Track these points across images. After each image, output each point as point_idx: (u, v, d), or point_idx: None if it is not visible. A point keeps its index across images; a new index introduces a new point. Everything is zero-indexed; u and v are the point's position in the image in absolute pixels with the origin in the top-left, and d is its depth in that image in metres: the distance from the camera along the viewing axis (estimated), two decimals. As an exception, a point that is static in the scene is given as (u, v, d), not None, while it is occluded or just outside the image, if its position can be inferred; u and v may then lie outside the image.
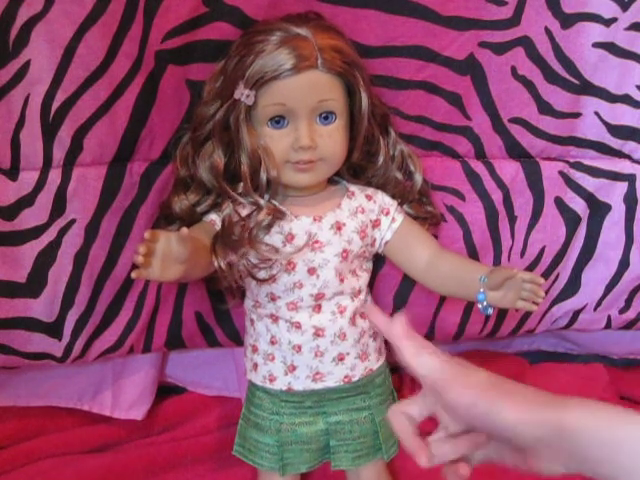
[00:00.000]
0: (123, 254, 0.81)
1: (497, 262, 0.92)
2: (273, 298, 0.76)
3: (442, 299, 0.92)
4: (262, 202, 0.74)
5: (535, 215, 0.91)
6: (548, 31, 0.83)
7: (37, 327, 0.80)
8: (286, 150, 0.72)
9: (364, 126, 0.76)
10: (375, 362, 0.81)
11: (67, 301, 0.80)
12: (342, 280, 0.76)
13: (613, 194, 0.92)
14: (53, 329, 0.80)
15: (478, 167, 0.89)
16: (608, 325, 1.00)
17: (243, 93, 0.70)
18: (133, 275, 0.64)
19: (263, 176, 0.73)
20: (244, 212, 0.74)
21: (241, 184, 0.74)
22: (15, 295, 0.78)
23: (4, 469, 0.90)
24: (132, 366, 0.95)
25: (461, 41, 0.82)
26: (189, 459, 0.96)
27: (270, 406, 0.80)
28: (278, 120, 0.72)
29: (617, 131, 0.89)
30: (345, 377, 0.78)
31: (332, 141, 0.73)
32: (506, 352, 1.11)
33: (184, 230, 0.65)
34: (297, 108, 0.70)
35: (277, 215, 0.74)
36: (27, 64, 0.70)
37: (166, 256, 0.65)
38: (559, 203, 0.91)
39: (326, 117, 0.72)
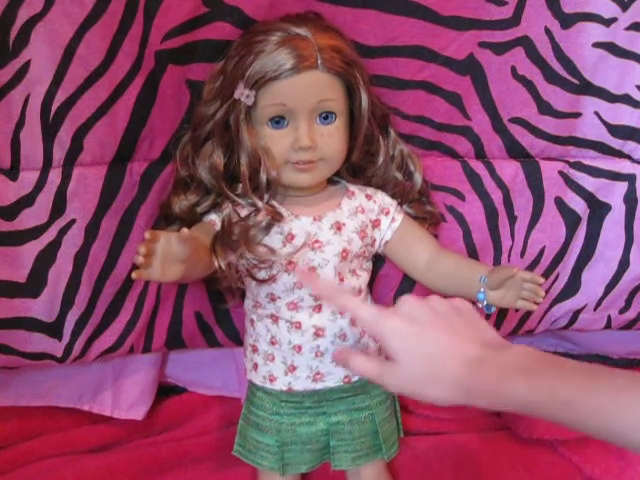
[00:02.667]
0: (123, 254, 0.81)
1: (497, 262, 0.92)
2: (273, 298, 0.76)
3: (442, 299, 0.92)
4: (260, 204, 0.73)
5: (535, 215, 0.91)
6: (548, 31, 0.83)
7: (37, 327, 0.80)
8: (286, 150, 0.72)
9: (364, 126, 0.76)
10: (375, 362, 0.81)
11: (67, 301, 0.80)
12: (342, 279, 0.76)
13: (613, 194, 0.92)
14: (53, 329, 0.80)
15: (478, 167, 0.89)
16: (608, 325, 1.00)
17: (243, 93, 0.70)
18: (133, 275, 0.64)
19: (263, 176, 0.73)
20: (244, 213, 0.74)
21: (241, 185, 0.74)
22: (15, 295, 0.78)
23: (4, 469, 0.90)
24: (132, 366, 0.95)
25: (461, 41, 0.82)
26: (189, 459, 0.96)
27: (270, 406, 0.80)
28: (278, 120, 0.72)
29: (617, 131, 0.89)
30: (345, 377, 0.78)
31: (332, 141, 0.73)
32: (506, 352, 1.11)
33: (184, 230, 0.65)
34: (297, 108, 0.70)
35: (275, 216, 0.74)
36: (27, 64, 0.70)
37: (166, 256, 0.65)
38: (559, 203, 0.91)
39: (326, 117, 0.72)
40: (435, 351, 0.56)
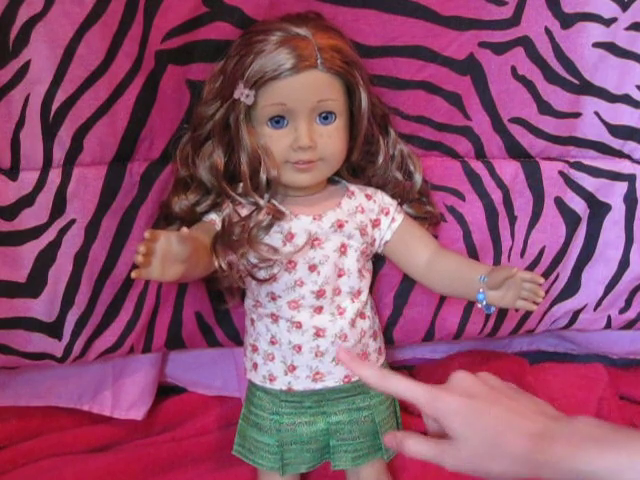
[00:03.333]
0: (123, 254, 0.81)
1: (497, 262, 0.92)
2: (274, 297, 0.76)
3: (442, 299, 0.92)
4: (262, 202, 0.74)
5: (535, 215, 0.91)
6: (548, 31, 0.83)
7: (37, 327, 0.80)
8: (286, 150, 0.72)
9: (364, 126, 0.76)
10: (375, 362, 0.81)
11: (67, 301, 0.80)
12: (340, 276, 0.76)
13: (613, 194, 0.92)
14: (53, 329, 0.80)
15: (478, 167, 0.89)
16: (608, 325, 1.00)
17: (243, 93, 0.70)
18: (133, 275, 0.63)
19: (263, 176, 0.73)
20: (244, 212, 0.74)
21: (241, 184, 0.74)
22: (15, 295, 0.78)
23: (4, 469, 0.90)
24: (132, 366, 0.95)
25: (461, 41, 0.82)
26: (189, 459, 0.96)
27: (270, 406, 0.80)
28: (278, 120, 0.72)
29: (617, 131, 0.89)
30: (345, 377, 0.78)
31: (332, 141, 0.73)
32: (506, 352, 1.11)
33: (184, 230, 0.65)
34: (297, 108, 0.70)
35: (277, 215, 0.74)
36: (27, 64, 0.70)
37: (166, 256, 0.64)
38: (559, 203, 0.91)
39: (326, 117, 0.72)
40: (497, 426, 0.54)
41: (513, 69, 0.84)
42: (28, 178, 0.75)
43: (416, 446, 0.56)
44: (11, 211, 0.75)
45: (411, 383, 0.57)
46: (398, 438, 0.58)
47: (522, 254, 0.92)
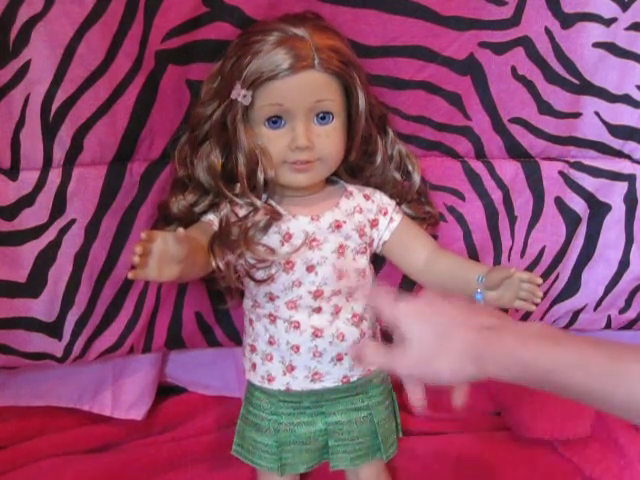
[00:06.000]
0: (123, 254, 0.81)
1: (497, 262, 0.92)
2: (272, 298, 0.76)
3: (442, 299, 0.92)
4: (258, 203, 0.74)
5: (535, 215, 0.91)
6: (548, 31, 0.83)
7: (37, 327, 0.80)
8: (283, 150, 0.72)
9: (361, 126, 0.76)
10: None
11: (67, 301, 0.80)
12: (340, 277, 0.76)
13: (613, 194, 0.92)
14: (53, 329, 0.81)
15: (478, 167, 0.89)
16: (608, 325, 1.00)
17: (240, 93, 0.70)
18: (129, 275, 0.64)
19: (260, 176, 0.73)
20: (241, 213, 0.74)
21: (238, 184, 0.74)
22: (15, 295, 0.78)
23: (4, 469, 0.90)
24: (132, 366, 0.95)
25: (461, 41, 0.82)
26: (189, 459, 0.96)
27: (268, 406, 0.80)
28: (275, 120, 0.72)
29: (617, 131, 0.89)
30: (344, 377, 0.78)
31: (329, 141, 0.73)
32: (506, 352, 1.11)
33: (180, 231, 0.65)
34: (294, 108, 0.70)
35: (274, 216, 0.74)
36: (27, 64, 0.70)
37: (163, 256, 0.64)
38: (559, 203, 0.91)
39: (323, 117, 0.72)
40: (449, 321, 0.57)
41: (513, 69, 0.84)
42: (28, 178, 0.75)
43: (372, 355, 0.62)
44: (11, 211, 0.75)
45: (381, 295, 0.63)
46: (358, 348, 0.64)
47: (522, 254, 0.92)
